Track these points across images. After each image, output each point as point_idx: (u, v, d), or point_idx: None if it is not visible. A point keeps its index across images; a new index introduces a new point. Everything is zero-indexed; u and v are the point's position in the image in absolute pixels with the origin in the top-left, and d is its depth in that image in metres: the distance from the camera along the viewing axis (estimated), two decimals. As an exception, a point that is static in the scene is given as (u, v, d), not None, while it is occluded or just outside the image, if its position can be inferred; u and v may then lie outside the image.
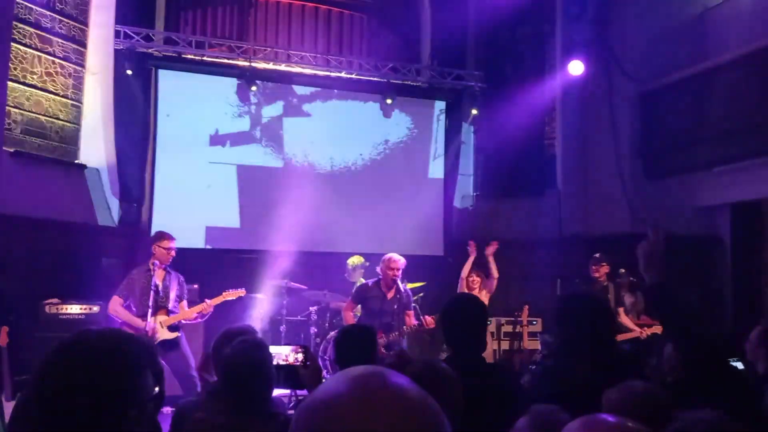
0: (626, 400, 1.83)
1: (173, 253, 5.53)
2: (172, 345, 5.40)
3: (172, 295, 5.56)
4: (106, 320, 5.86)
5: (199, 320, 5.78)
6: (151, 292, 5.29)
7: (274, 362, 2.74)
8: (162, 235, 5.62)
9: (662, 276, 2.44)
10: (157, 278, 5.42)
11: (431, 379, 2.03)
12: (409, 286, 6.76)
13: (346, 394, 0.78)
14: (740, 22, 7.52)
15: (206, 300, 5.64)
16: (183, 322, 5.60)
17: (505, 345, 7.42)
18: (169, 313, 5.48)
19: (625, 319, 6.30)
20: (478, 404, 2.30)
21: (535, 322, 7.12)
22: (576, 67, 8.11)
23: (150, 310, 5.28)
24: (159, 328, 5.38)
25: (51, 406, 1.12)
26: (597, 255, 6.60)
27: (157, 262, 5.44)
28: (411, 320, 6.14)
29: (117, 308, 5.43)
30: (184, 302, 5.68)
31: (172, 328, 5.45)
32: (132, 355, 1.19)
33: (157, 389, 1.24)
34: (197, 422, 2.62)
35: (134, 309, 5.43)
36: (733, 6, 7.92)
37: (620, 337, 5.89)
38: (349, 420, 0.75)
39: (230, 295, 5.75)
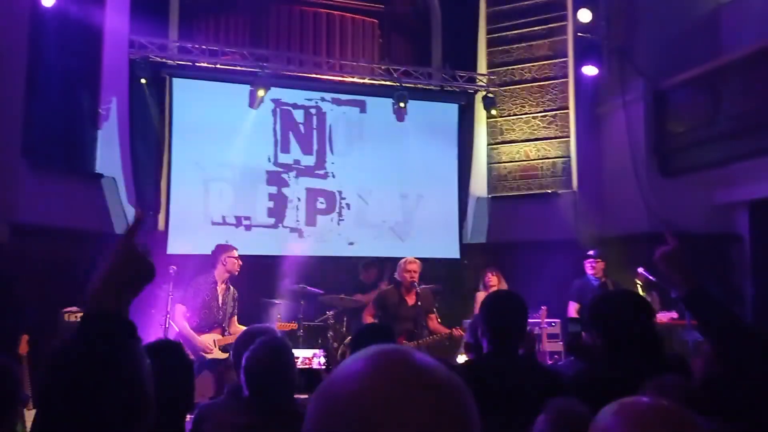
0: (662, 393, 1.80)
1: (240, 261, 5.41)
2: (220, 365, 5.23)
3: (230, 311, 5.43)
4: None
5: None
6: (213, 308, 5.17)
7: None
8: (228, 247, 5.46)
9: (693, 281, 2.29)
10: (220, 293, 5.29)
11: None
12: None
13: (366, 369, 0.73)
14: (754, 17, 7.45)
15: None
16: None
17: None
18: (223, 332, 5.33)
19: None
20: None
21: (554, 324, 7.07)
22: (589, 70, 8.10)
23: (207, 326, 5.15)
24: (213, 345, 5.21)
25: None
26: (591, 252, 6.78)
27: (227, 274, 5.27)
28: (434, 323, 6.05)
29: (181, 320, 5.17)
30: (234, 318, 5.53)
31: (224, 348, 5.25)
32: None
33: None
34: (219, 425, 2.62)
35: (194, 321, 5.24)
36: (747, 2, 7.86)
37: None
38: (370, 395, 0.71)
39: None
